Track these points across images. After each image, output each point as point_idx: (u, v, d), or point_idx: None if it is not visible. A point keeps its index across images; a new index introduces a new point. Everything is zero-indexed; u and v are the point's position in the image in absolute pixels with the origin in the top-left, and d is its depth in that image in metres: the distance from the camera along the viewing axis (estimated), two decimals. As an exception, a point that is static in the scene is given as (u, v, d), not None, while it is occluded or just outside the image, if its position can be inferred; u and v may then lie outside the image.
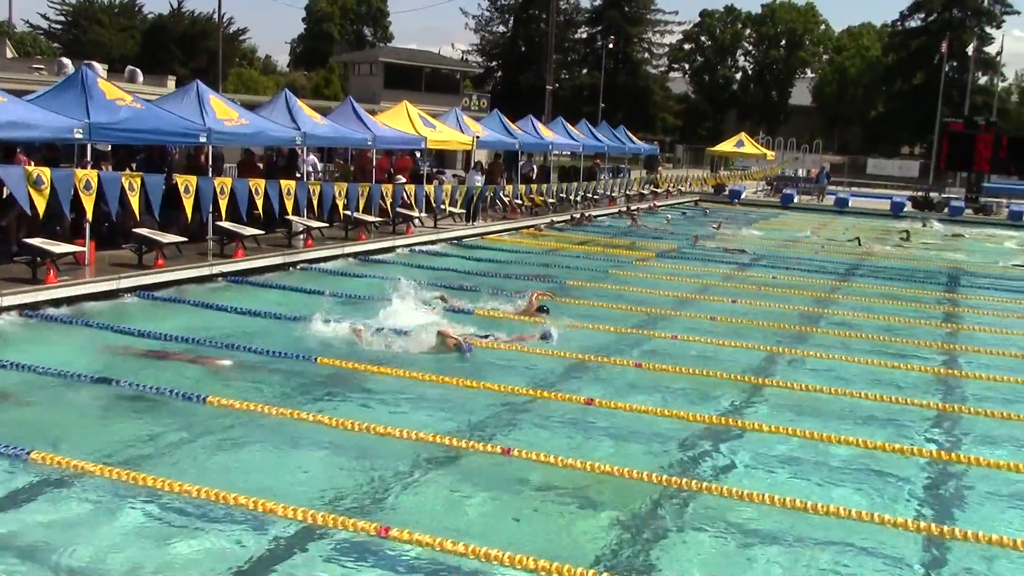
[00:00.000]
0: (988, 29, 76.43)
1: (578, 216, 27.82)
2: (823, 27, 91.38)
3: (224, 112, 16.55)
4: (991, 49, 73.22)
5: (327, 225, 18.94)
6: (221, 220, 15.84)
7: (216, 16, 52.48)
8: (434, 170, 28.56)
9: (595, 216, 29.13)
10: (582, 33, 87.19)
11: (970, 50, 66.37)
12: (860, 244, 25.60)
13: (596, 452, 8.03)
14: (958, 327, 14.66)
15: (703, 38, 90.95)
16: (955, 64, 69.23)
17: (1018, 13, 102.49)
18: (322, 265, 17.08)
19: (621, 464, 7.54)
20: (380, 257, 18.70)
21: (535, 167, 32.00)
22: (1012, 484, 7.82)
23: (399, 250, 19.63)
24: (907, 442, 8.71)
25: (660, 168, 46.59)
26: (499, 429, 8.57)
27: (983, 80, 75.05)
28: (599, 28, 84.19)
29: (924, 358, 12.34)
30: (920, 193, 42.67)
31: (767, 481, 7.63)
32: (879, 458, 8.21)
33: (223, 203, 15.60)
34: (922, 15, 78.58)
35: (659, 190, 38.75)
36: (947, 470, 8.16)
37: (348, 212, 18.96)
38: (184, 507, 6.43)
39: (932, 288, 18.58)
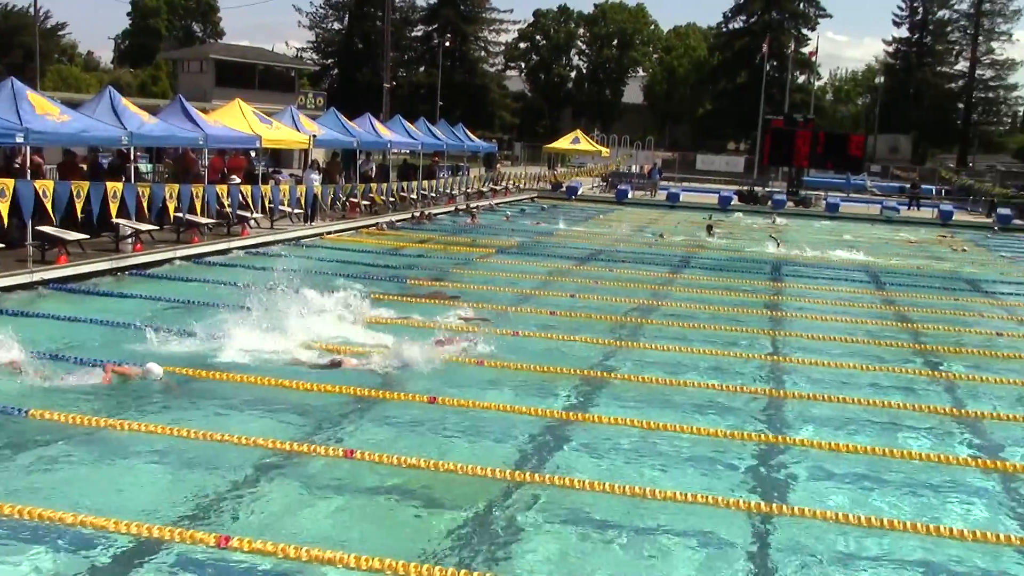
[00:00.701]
0: (804, 31, 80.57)
1: (418, 215, 27.78)
2: (652, 27, 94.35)
3: (44, 108, 15.69)
4: (807, 50, 77.19)
5: (158, 228, 18.28)
6: (49, 224, 15.06)
7: (32, 9, 49.80)
8: (270, 170, 27.95)
9: (435, 214, 29.15)
10: (418, 31, 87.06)
11: (789, 51, 69.88)
12: (662, 238, 26.45)
13: (440, 450, 8.05)
14: (783, 314, 15.40)
15: (538, 37, 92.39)
16: (775, 64, 72.55)
17: (831, 16, 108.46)
18: (154, 270, 16.46)
19: (466, 461, 7.60)
20: (216, 260, 18.16)
21: (374, 166, 31.75)
22: (836, 462, 8.30)
23: (235, 252, 19.10)
24: (740, 428, 9.10)
25: (499, 166, 47.03)
26: (342, 431, 8.48)
27: (801, 79, 79.00)
28: (435, 26, 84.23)
29: (753, 346, 12.92)
30: (746, 187, 44.56)
31: (610, 471, 7.83)
32: (714, 444, 8.57)
33: (48, 206, 14.82)
34: (744, 17, 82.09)
35: (498, 187, 39.12)
36: (776, 452, 8.57)
37: (180, 214, 18.33)
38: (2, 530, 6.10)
39: (758, 279, 19.46)
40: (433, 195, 31.74)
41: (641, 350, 12.22)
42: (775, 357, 12.24)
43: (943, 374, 11.77)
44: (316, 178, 24.63)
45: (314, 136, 24.68)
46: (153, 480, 7.17)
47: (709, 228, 28.06)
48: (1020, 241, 32.54)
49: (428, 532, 6.49)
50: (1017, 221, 37.70)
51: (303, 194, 22.64)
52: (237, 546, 5.86)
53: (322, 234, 22.63)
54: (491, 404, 9.23)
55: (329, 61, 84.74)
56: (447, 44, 74.70)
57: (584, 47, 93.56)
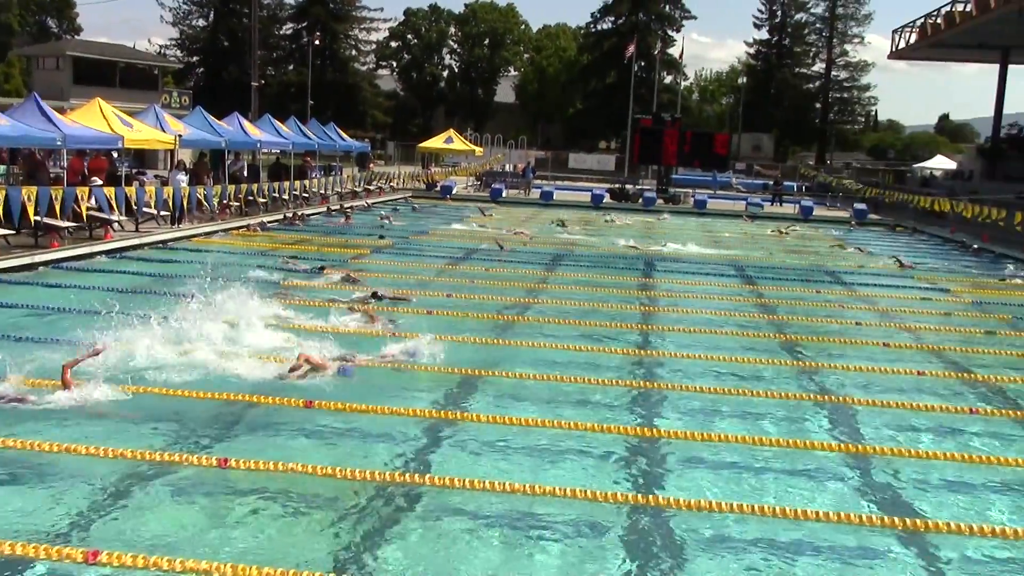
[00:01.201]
0: (670, 32, 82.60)
1: (290, 215, 27.30)
2: (523, 27, 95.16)
3: None
4: (674, 51, 79.16)
5: (13, 232, 17.44)
6: None
7: None
8: (134, 171, 27.04)
9: (308, 215, 28.71)
10: (287, 29, 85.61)
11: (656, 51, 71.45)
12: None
13: (317, 454, 7.93)
14: (653, 309, 15.73)
15: (409, 36, 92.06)
16: (643, 64, 74.07)
17: (695, 18, 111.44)
18: (11, 276, 15.68)
19: (343, 464, 7.51)
20: (77, 265, 17.43)
21: (244, 166, 31.08)
22: (705, 451, 8.53)
23: (99, 257, 18.38)
24: (613, 421, 9.25)
25: (372, 165, 46.63)
26: (215, 440, 8.26)
27: (668, 79, 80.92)
28: (304, 24, 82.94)
29: (624, 340, 13.16)
30: (617, 185, 45.35)
31: (485, 469, 7.86)
32: (588, 438, 8.70)
33: None
34: (612, 18, 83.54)
35: (372, 187, 38.80)
36: (648, 444, 8.75)
37: (39, 218, 17.54)
38: None
39: (629, 274, 19.85)
40: (306, 195, 31.26)
41: (517, 348, 12.30)
42: (648, 351, 12.49)
43: (806, 363, 12.23)
44: (183, 179, 23.96)
45: (180, 136, 23.99)
46: (14, 497, 6.84)
47: (561, 223, 28.82)
48: (875, 234, 34.14)
49: (305, 537, 6.38)
50: (873, 215, 39.52)
51: (171, 196, 21.97)
52: (107, 561, 5.65)
53: (191, 236, 22.00)
54: (366, 407, 9.13)
55: (194, 59, 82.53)
56: (316, 42, 73.60)
57: (456, 46, 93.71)
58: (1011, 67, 46.45)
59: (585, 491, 7.18)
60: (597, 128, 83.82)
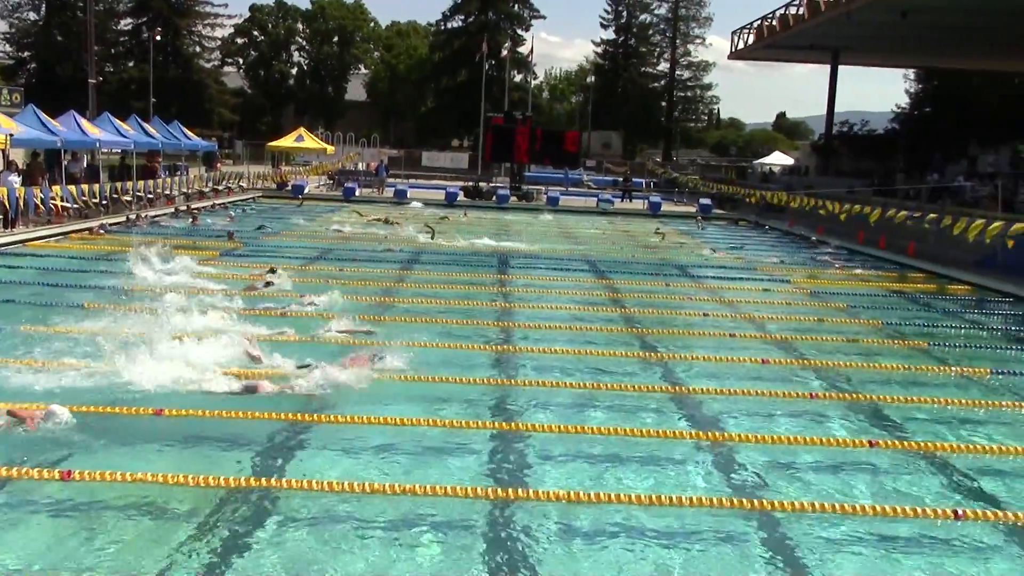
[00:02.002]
0: (520, 31, 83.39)
1: (134, 217, 26.29)
2: (372, 25, 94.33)
3: None
4: (523, 49, 79.87)
5: None
6: None
7: None
8: (-40, 172, 25.52)
9: (153, 217, 27.71)
10: (126, 24, 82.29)
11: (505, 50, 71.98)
12: (389, 222, 26.91)
13: (166, 462, 7.68)
14: (511, 305, 15.89)
15: (256, 32, 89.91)
16: (494, 63, 74.55)
17: (544, 18, 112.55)
18: None
19: (196, 471, 7.30)
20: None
21: (83, 166, 29.76)
22: (565, 444, 8.68)
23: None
24: (475, 417, 9.30)
25: (219, 165, 45.41)
26: (60, 451, 7.89)
27: (518, 78, 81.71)
28: (145, 19, 79.88)
29: (484, 337, 13.24)
30: (471, 183, 45.54)
31: (346, 470, 7.79)
32: (455, 434, 8.73)
33: None
34: (462, 16, 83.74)
35: (220, 187, 37.76)
36: (513, 438, 8.84)
37: None
38: None
39: (486, 271, 19.99)
40: (151, 196, 30.17)
41: (376, 348, 12.20)
42: (507, 347, 12.60)
43: (660, 355, 12.59)
44: (16, 180, 22.78)
45: (11, 135, 22.76)
46: None
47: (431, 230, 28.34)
48: (722, 229, 35.41)
49: (161, 547, 6.19)
50: (717, 210, 40.96)
51: (5, 197, 20.83)
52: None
53: (25, 240, 20.91)
54: (219, 412, 8.89)
55: (26, 54, 78.46)
56: (158, 38, 71.04)
57: (304, 43, 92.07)
58: (841, 67, 48.85)
59: (456, 488, 7.20)
60: (449, 126, 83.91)
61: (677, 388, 10.89)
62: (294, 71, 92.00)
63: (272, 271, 14.32)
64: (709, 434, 9.16)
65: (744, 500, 7.43)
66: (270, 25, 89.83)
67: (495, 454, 8.43)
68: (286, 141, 50.32)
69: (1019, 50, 41.73)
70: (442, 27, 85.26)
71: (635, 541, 6.72)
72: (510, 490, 7.45)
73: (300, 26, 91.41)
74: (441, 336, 12.87)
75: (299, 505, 6.98)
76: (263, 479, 7.39)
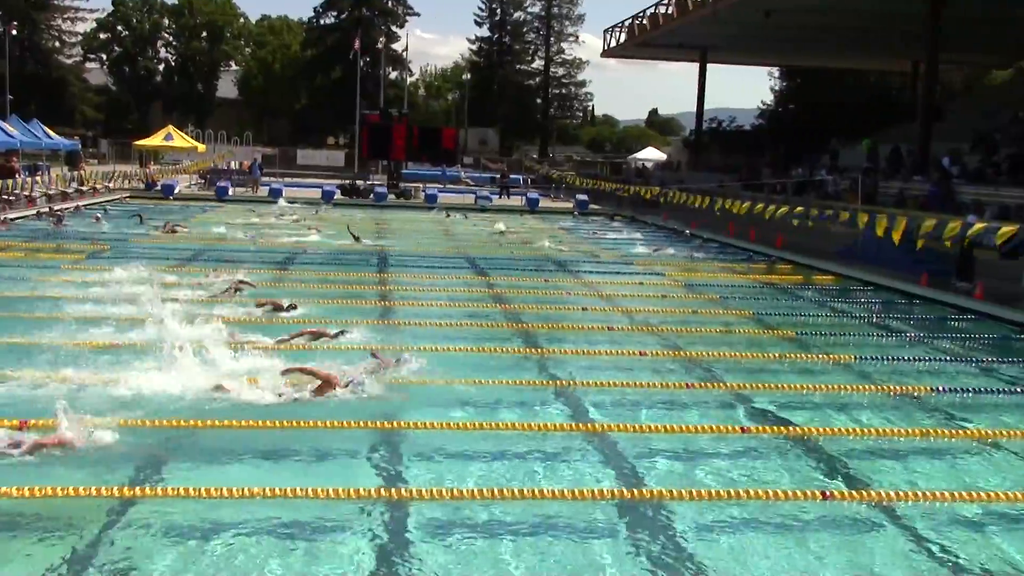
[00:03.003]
0: (394, 28, 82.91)
1: (-8, 220, 25.11)
2: (242, 20, 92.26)
3: None
4: (398, 46, 79.51)
5: None
6: None
7: None
8: None
9: (13, 219, 26.49)
10: (-22, 18, 78.40)
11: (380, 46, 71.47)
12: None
13: (33, 476, 7.37)
14: (390, 303, 15.80)
15: (120, 28, 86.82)
16: (368, 60, 73.93)
17: (419, 15, 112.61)
18: None
19: (66, 484, 7.03)
20: None
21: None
22: (448, 441, 8.69)
23: None
24: (354, 417, 9.20)
25: (83, 164, 43.78)
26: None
27: (394, 75, 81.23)
28: (-1, 13, 76.30)
29: (363, 337, 13.12)
30: (348, 181, 45.07)
31: (218, 476, 7.62)
32: (329, 435, 8.64)
33: None
34: (335, 12, 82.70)
35: (85, 188, 36.37)
36: (390, 437, 8.80)
37: None
38: None
39: (362, 270, 19.84)
40: (10, 198, 28.84)
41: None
42: (387, 346, 12.52)
43: (540, 350, 12.71)
44: None
45: None
46: None
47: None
48: (596, 224, 35.97)
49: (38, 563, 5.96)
50: (594, 206, 41.59)
51: None
52: None
53: None
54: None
55: None
56: (14, 32, 67.84)
57: (171, 39, 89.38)
58: (710, 65, 50.23)
59: (329, 490, 7.12)
60: (325, 124, 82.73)
61: (555, 383, 11.01)
62: (161, 67, 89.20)
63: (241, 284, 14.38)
64: (587, 426, 9.30)
65: (621, 490, 7.58)
66: (135, 20, 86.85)
67: (372, 451, 8.40)
68: (154, 140, 48.89)
69: (873, 49, 43.73)
70: (315, 23, 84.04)
71: (515, 536, 6.78)
72: (381, 489, 7.46)
73: (166, 21, 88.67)
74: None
75: (170, 513, 6.80)
76: (128, 489, 7.16)
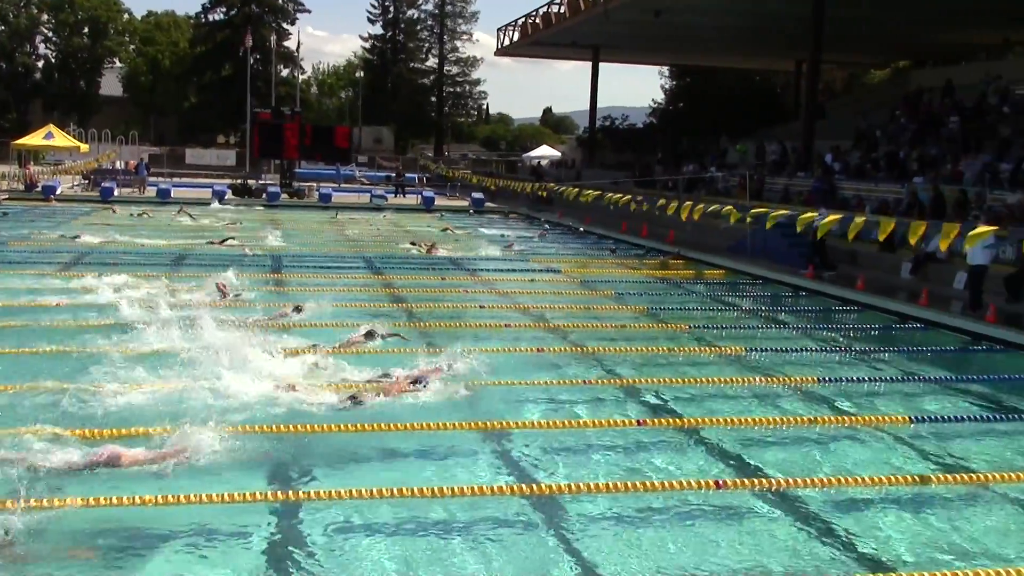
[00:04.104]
0: (285, 25, 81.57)
1: None
2: (127, 16, 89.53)
3: None
4: (290, 44, 78.20)
5: None
6: None
7: None
8: None
9: None
10: None
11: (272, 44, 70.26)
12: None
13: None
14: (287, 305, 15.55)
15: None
16: (259, 57, 72.63)
17: (310, 12, 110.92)
18: None
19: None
20: None
21: None
22: (351, 442, 8.62)
23: None
24: (261, 422, 9.01)
25: (-42, 165, 41.82)
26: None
27: (285, 73, 79.94)
28: None
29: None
30: (239, 181, 44.18)
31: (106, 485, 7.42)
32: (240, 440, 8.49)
33: None
34: (224, 8, 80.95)
35: (-41, 190, 34.83)
36: (297, 440, 8.67)
37: None
38: None
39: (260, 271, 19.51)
40: None
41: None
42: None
43: (437, 349, 12.66)
44: None
45: None
46: None
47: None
48: (494, 222, 36.08)
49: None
50: (490, 204, 41.69)
51: None
52: None
53: None
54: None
55: None
56: None
57: (51, 34, 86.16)
58: (603, 64, 50.91)
59: (225, 495, 6.99)
60: (214, 122, 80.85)
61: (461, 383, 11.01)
62: (40, 64, 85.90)
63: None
64: (487, 424, 9.33)
65: (521, 487, 7.64)
66: (11, 15, 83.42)
67: (265, 454, 8.29)
68: (34, 139, 47.03)
69: (759, 49, 44.97)
70: (203, 19, 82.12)
71: (424, 533, 6.79)
72: (280, 492, 7.41)
73: (45, 16, 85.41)
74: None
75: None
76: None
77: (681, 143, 47.15)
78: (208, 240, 24.33)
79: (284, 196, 40.99)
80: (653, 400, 10.58)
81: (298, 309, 14.31)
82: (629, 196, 26.95)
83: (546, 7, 44.44)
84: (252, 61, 59.05)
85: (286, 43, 76.38)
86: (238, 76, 67.05)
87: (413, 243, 24.84)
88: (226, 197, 38.96)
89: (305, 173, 47.49)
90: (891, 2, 31.36)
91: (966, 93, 31.72)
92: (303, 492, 7.52)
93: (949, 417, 10.27)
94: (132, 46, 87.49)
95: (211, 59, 79.02)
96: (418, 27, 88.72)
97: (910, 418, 10.10)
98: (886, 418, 10.24)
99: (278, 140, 42.84)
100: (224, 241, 23.94)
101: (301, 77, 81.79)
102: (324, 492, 7.31)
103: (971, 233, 15.22)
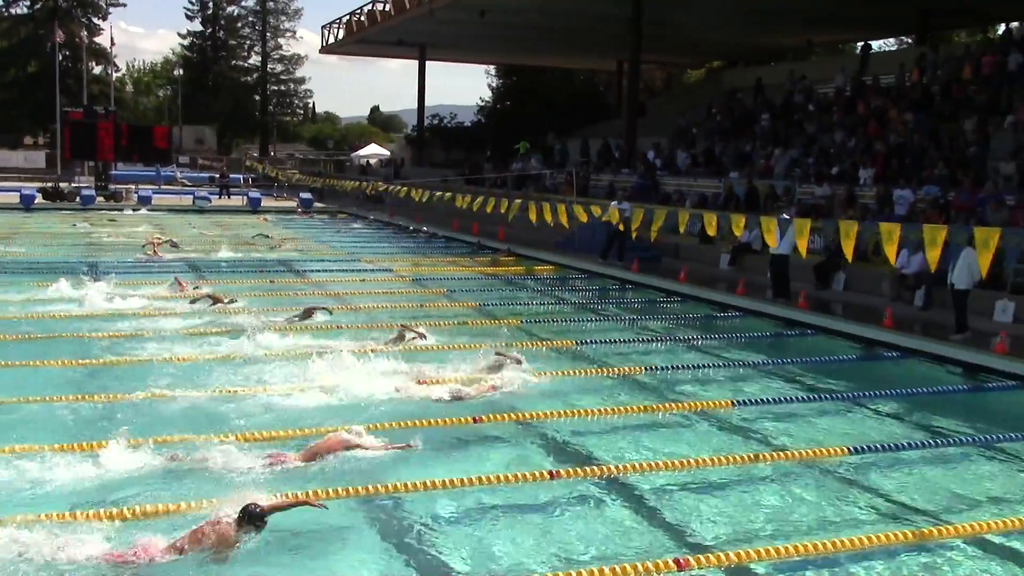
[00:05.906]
0: (96, 20, 77.79)
1: None
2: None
3: None
4: (102, 40, 74.67)
5: None
6: None
7: None
8: None
9: None
10: None
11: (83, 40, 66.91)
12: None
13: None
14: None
15: None
16: (69, 54, 69.14)
17: (124, 6, 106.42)
18: None
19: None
20: None
21: None
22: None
23: None
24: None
25: None
26: None
27: (98, 70, 76.32)
28: None
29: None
30: (50, 184, 41.88)
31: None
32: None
33: None
34: (28, 2, 76.57)
35: None
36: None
37: None
38: None
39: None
40: None
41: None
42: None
43: (266, 352, 12.38)
44: None
45: None
46: None
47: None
48: (324, 221, 35.57)
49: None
50: (318, 204, 41.07)
51: None
52: None
53: None
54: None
55: None
56: None
57: None
58: (431, 63, 50.92)
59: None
60: (21, 122, 76.34)
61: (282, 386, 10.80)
62: None
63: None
64: (315, 429, 9.17)
65: (356, 489, 7.57)
66: None
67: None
68: None
69: (582, 49, 46.05)
70: (5, 13, 77.34)
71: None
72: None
73: None
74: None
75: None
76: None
77: (508, 141, 47.73)
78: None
79: (99, 199, 39.12)
80: (487, 395, 10.65)
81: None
82: (459, 194, 27.11)
83: (371, 5, 44.14)
84: (61, 58, 56.00)
85: (98, 39, 72.99)
86: (46, 73, 63.66)
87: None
88: (35, 202, 36.80)
89: (122, 175, 45.43)
90: (704, 6, 32.75)
91: (775, 92, 33.39)
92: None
93: (769, 400, 10.78)
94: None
95: (15, 55, 74.70)
96: (239, 24, 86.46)
97: (732, 402, 10.56)
98: (709, 403, 10.66)
99: (91, 140, 40.90)
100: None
101: (115, 75, 78.30)
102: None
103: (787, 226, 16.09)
